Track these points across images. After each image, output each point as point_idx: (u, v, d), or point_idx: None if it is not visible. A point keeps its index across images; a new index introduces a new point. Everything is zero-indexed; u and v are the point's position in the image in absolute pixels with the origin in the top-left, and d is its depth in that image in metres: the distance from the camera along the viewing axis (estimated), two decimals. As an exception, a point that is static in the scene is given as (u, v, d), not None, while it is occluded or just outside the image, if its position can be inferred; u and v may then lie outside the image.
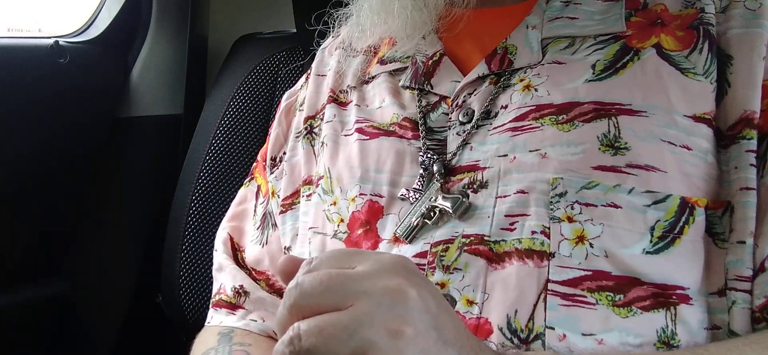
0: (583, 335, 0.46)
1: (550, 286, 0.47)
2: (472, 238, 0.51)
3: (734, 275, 0.48)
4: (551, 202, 0.49)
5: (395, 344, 0.36)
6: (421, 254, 0.52)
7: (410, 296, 0.38)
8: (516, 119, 0.53)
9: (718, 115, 0.51)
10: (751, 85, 0.50)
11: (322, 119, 0.67)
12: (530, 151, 0.51)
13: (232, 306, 0.68)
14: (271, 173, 0.72)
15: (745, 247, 0.48)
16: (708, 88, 0.51)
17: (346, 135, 0.63)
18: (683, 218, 0.48)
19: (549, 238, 0.48)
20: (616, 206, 0.48)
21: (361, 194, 0.57)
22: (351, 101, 0.65)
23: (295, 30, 1.13)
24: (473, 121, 0.55)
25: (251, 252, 0.71)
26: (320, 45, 0.76)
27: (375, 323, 0.36)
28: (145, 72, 1.19)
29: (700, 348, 0.47)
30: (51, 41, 1.05)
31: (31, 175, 1.06)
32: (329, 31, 0.71)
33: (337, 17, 0.69)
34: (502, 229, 0.50)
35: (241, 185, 0.78)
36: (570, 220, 0.48)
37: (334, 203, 0.60)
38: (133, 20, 1.18)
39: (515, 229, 0.49)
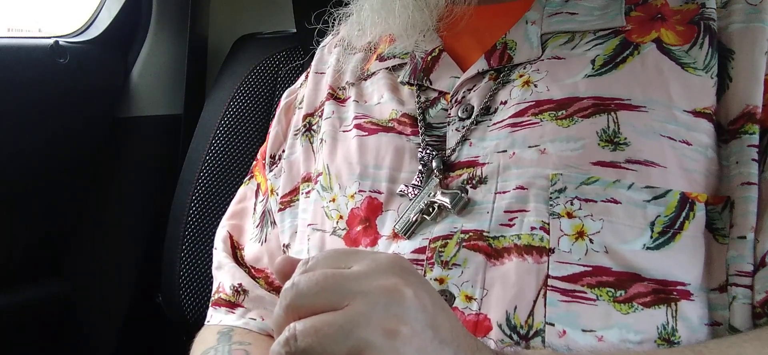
0: (583, 331, 0.46)
1: (550, 282, 0.47)
2: (470, 233, 0.50)
3: (735, 270, 0.48)
4: (551, 197, 0.49)
5: (391, 344, 0.36)
6: (420, 250, 0.52)
7: (406, 295, 0.37)
8: (515, 115, 0.53)
9: (718, 109, 0.51)
10: (753, 80, 0.50)
11: (320, 116, 0.67)
12: (529, 146, 0.51)
13: (231, 305, 0.67)
14: (270, 171, 0.72)
15: (746, 242, 0.48)
16: (708, 83, 0.51)
17: (344, 131, 0.63)
18: (683, 214, 0.48)
19: (548, 234, 0.48)
20: (615, 202, 0.48)
21: (360, 191, 0.57)
22: (349, 98, 0.65)
23: (295, 30, 1.13)
24: (472, 117, 0.55)
25: (250, 250, 0.71)
26: (320, 44, 0.75)
27: (371, 323, 0.36)
28: (145, 72, 1.19)
29: (700, 345, 0.46)
30: (51, 41, 1.05)
31: (32, 175, 1.06)
32: (329, 31, 0.71)
33: (337, 16, 0.69)
34: (502, 225, 0.50)
35: (241, 184, 0.78)
36: (569, 215, 0.48)
37: (333, 200, 0.59)
38: (133, 20, 1.18)
39: (514, 225, 0.49)
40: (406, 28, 0.61)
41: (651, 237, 0.48)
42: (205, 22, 1.27)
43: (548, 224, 0.48)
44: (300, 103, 0.72)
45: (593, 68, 0.52)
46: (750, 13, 0.52)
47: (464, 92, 0.57)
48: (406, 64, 0.63)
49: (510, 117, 0.53)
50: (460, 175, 0.54)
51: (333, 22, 0.69)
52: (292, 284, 0.38)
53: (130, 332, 1.18)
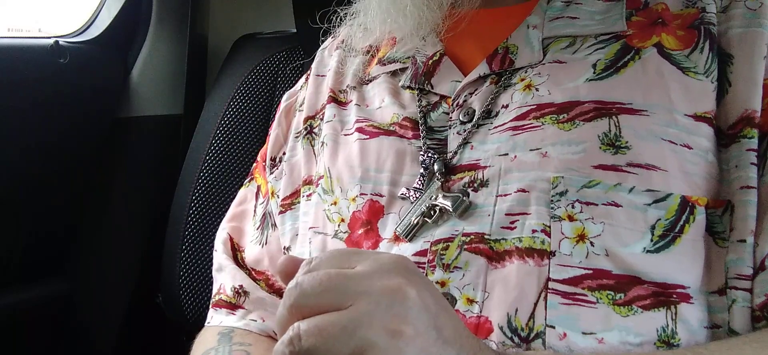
0: (584, 334, 0.46)
1: (551, 284, 0.47)
2: (472, 236, 0.51)
3: (735, 273, 0.48)
4: (552, 201, 0.49)
5: (394, 344, 0.36)
6: (421, 253, 0.52)
7: (409, 295, 0.38)
8: (517, 119, 0.53)
9: (718, 114, 0.51)
10: (752, 84, 0.50)
11: (321, 119, 0.67)
12: (531, 150, 0.51)
13: (231, 306, 0.67)
14: (271, 174, 0.72)
15: (746, 245, 0.48)
16: (709, 88, 0.51)
17: (346, 134, 0.63)
18: (684, 217, 0.48)
19: (549, 236, 0.48)
20: (616, 205, 0.48)
21: (361, 194, 0.57)
22: (351, 101, 0.65)
23: (295, 30, 1.13)
24: (474, 120, 0.55)
25: (251, 252, 0.71)
26: (321, 45, 0.75)
27: (374, 323, 0.36)
28: (145, 72, 1.19)
29: (699, 347, 0.47)
30: (51, 41, 1.05)
31: (32, 175, 1.06)
32: (330, 31, 0.71)
33: (341, 16, 0.68)
34: (503, 228, 0.50)
35: (241, 185, 0.78)
36: (571, 218, 0.48)
37: (335, 203, 0.60)
38: (133, 20, 1.18)
39: (515, 228, 0.49)
40: (417, 28, 0.60)
41: (651, 240, 0.48)
42: (205, 22, 1.27)
43: (549, 227, 0.48)
44: (300, 106, 0.72)
45: (594, 72, 0.53)
46: (749, 17, 0.52)
47: (465, 96, 0.57)
48: (407, 68, 0.63)
49: (511, 120, 0.53)
50: (462, 178, 0.54)
51: (335, 22, 0.69)
52: (296, 284, 0.38)
53: (130, 332, 1.18)
